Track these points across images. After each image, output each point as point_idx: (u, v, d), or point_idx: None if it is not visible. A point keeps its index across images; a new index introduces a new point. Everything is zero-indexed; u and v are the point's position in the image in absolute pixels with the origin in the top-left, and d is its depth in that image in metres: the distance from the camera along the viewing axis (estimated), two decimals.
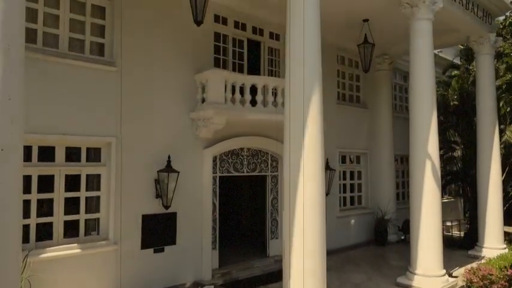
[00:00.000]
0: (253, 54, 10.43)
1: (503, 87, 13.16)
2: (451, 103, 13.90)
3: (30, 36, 6.85)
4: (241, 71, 9.96)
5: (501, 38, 11.66)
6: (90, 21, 7.59)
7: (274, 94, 9.26)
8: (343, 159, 12.75)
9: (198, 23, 7.12)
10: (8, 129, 3.00)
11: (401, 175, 15.14)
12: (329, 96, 11.50)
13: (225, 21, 9.65)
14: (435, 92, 9.04)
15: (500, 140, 11.48)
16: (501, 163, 11.42)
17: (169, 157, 7.96)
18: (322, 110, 6.30)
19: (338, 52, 12.70)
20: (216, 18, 9.42)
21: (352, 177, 13.09)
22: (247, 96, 8.84)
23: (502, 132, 11.96)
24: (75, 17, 7.41)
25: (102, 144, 7.54)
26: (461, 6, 9.87)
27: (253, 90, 9.02)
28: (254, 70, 10.38)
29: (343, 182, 12.73)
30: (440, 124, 11.50)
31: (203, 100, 8.60)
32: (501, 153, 11.51)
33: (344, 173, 12.79)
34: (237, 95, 8.73)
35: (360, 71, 12.80)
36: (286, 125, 6.38)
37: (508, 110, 12.55)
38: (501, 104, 11.84)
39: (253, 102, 8.96)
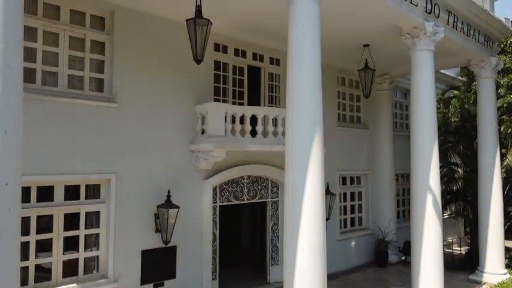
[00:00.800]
0: (253, 80, 10.38)
1: (505, 105, 13.13)
2: (452, 122, 13.87)
3: (30, 76, 6.82)
4: (241, 98, 9.93)
5: (502, 61, 11.60)
6: (90, 57, 7.55)
7: (275, 123, 9.22)
8: (343, 181, 12.71)
9: (198, 61, 7.08)
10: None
11: (401, 193, 15.11)
12: (330, 119, 11.49)
13: (225, 50, 9.61)
14: (436, 121, 8.98)
15: (501, 164, 11.44)
16: (502, 186, 11.39)
17: (168, 192, 7.92)
18: (323, 138, 6.21)
19: (339, 73, 12.66)
20: (216, 47, 9.37)
21: (352, 199, 13.05)
22: (248, 127, 8.80)
23: (503, 157, 11.92)
24: (74, 54, 7.37)
25: (102, 181, 7.51)
26: (462, 33, 9.83)
27: (254, 119, 8.99)
28: (254, 96, 10.35)
29: (344, 203, 12.69)
30: (440, 144, 11.51)
31: (203, 131, 8.57)
32: (502, 177, 11.47)
33: (344, 194, 12.75)
34: (237, 126, 8.69)
35: (361, 92, 12.73)
36: (287, 154, 6.28)
37: (509, 131, 12.49)
38: (502, 129, 11.78)
39: (254, 133, 8.93)
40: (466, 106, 13.34)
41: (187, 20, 7.06)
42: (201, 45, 7.01)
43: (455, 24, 9.48)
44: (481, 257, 11.41)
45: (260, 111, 8.95)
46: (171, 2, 7.78)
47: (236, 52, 9.86)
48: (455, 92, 14.03)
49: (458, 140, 13.49)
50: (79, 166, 7.11)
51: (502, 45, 13.32)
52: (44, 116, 6.74)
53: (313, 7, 6.09)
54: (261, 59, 10.44)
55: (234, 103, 9.75)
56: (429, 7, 8.56)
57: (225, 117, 8.48)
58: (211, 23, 7.14)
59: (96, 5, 7.53)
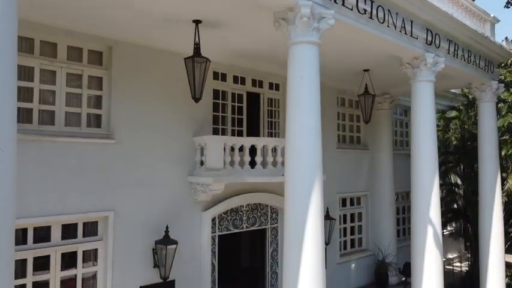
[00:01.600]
0: (252, 106, 10.31)
1: (505, 125, 13.08)
2: (453, 141, 13.80)
3: (27, 116, 6.76)
4: (240, 125, 9.87)
5: (503, 84, 11.54)
6: (87, 93, 7.49)
7: (274, 152, 9.16)
8: (343, 203, 12.65)
9: (197, 100, 7.03)
10: None
11: (401, 211, 15.04)
12: (329, 142, 11.43)
13: (224, 78, 9.55)
14: (437, 152, 8.94)
15: (502, 189, 11.38)
16: (503, 210, 11.34)
17: (167, 227, 7.85)
18: (322, 165, 6.22)
19: (338, 94, 12.60)
20: (215, 76, 9.30)
21: (352, 220, 12.99)
22: (247, 158, 8.75)
23: (504, 181, 11.86)
24: (71, 91, 7.31)
25: (100, 218, 7.45)
26: (463, 61, 9.77)
27: (253, 149, 8.92)
28: (254, 122, 10.28)
29: (343, 225, 12.63)
30: (441, 164, 11.45)
31: (202, 162, 8.50)
32: (503, 201, 11.41)
33: (344, 216, 12.68)
34: (236, 157, 8.63)
35: (361, 112, 12.68)
36: (287, 184, 6.25)
37: (509, 153, 12.43)
38: (503, 153, 11.71)
39: (253, 163, 8.87)
40: (466, 126, 13.26)
41: (185, 59, 7.01)
42: (200, 83, 6.96)
43: (456, 52, 9.42)
44: (482, 280, 11.36)
45: (259, 141, 8.89)
46: (169, 34, 7.71)
47: (235, 79, 9.79)
48: (455, 113, 13.94)
49: (458, 159, 13.41)
50: (76, 205, 7.04)
51: (503, 64, 13.29)
52: (41, 156, 6.67)
53: (313, 51, 6.02)
54: (260, 84, 10.37)
55: (233, 131, 9.70)
56: (429, 38, 8.50)
57: (224, 148, 8.42)
58: (210, 61, 7.08)
59: (94, 40, 7.46)
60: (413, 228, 8.96)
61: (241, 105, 9.92)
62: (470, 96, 12.79)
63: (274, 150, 9.16)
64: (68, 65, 7.24)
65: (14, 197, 3.19)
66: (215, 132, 9.30)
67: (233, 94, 9.78)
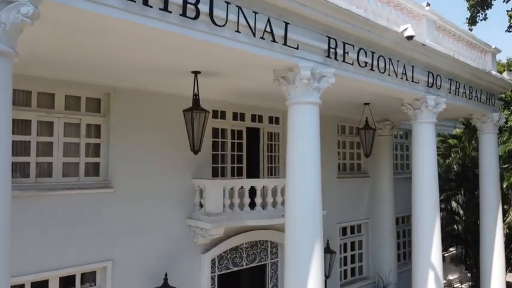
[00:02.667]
0: (252, 140, 10.24)
1: (506, 151, 13.00)
2: (454, 167, 13.73)
3: (24, 170, 6.69)
4: (240, 162, 9.80)
5: (504, 116, 11.46)
6: (85, 141, 7.41)
7: (274, 193, 9.08)
8: (343, 232, 12.57)
9: (196, 152, 6.96)
10: None
11: (402, 235, 14.97)
12: (330, 172, 11.38)
13: (223, 115, 9.48)
14: (438, 192, 8.89)
15: (504, 220, 11.31)
16: (504, 242, 11.28)
17: (166, 275, 7.76)
18: (322, 201, 6.30)
19: (339, 122, 12.52)
20: (215, 114, 9.22)
21: (352, 248, 12.91)
22: (246, 200, 8.67)
23: (505, 213, 11.79)
24: (69, 141, 7.23)
25: (98, 268, 7.37)
26: (464, 97, 9.69)
27: (253, 189, 8.85)
28: (253, 157, 10.20)
29: (344, 254, 12.56)
30: (441, 191, 11.37)
31: (201, 204, 8.43)
32: (505, 233, 11.34)
33: (344, 245, 12.61)
34: (236, 199, 8.56)
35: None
36: (287, 222, 6.32)
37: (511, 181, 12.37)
38: (505, 186, 11.64)
39: (253, 204, 8.79)
40: (467, 152, 13.18)
41: (184, 111, 6.94)
42: (199, 135, 6.89)
43: (457, 90, 9.35)
44: None
45: (259, 182, 8.82)
46: (168, 81, 7.63)
47: (235, 116, 9.72)
48: (455, 141, 13.86)
49: (459, 186, 13.34)
50: (74, 258, 6.96)
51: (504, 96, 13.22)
52: (38, 212, 6.60)
53: (313, 111, 5.96)
54: (260, 119, 10.30)
55: (232, 168, 9.62)
56: (431, 80, 8.43)
57: (224, 191, 8.34)
58: (209, 112, 7.01)
59: (92, 88, 7.38)
60: (414, 257, 9.03)
61: (240, 141, 9.85)
62: (471, 124, 12.69)
63: (275, 189, 9.08)
64: (66, 115, 7.17)
65: (8, 260, 3.29)
66: (215, 171, 9.24)
67: (232, 131, 9.71)
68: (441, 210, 11.28)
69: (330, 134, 11.81)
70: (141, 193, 7.84)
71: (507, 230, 12.02)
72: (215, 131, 9.30)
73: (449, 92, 9.10)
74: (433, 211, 8.71)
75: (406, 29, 6.88)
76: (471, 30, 13.22)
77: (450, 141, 14.00)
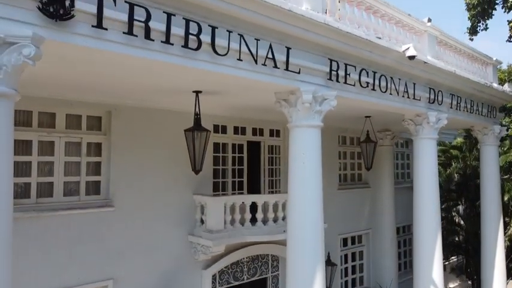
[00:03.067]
0: (252, 154, 10.22)
1: (507, 161, 12.98)
2: (455, 177, 13.71)
3: (25, 191, 6.68)
4: (241, 175, 9.78)
5: (505, 128, 11.45)
6: (86, 160, 7.39)
7: (275, 208, 9.06)
8: (344, 243, 12.55)
9: (197, 172, 6.94)
10: None
11: (403, 244, 14.95)
12: (331, 185, 11.36)
13: (224, 130, 9.46)
14: (439, 206, 8.88)
15: (504, 233, 11.30)
16: (506, 254, 11.27)
17: None
18: (323, 215, 6.33)
19: (340, 133, 12.50)
20: (216, 129, 9.20)
21: (353, 259, 12.89)
22: (247, 215, 8.66)
23: (507, 225, 11.77)
24: (70, 160, 7.21)
25: (99, 287, 7.35)
26: (465, 111, 9.68)
27: (254, 204, 8.84)
28: (254, 171, 10.18)
29: (345, 265, 12.54)
30: (442, 201, 11.35)
31: (202, 221, 8.42)
32: (506, 246, 11.33)
33: (345, 256, 12.59)
34: (237, 215, 8.55)
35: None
36: (289, 237, 6.34)
37: None
38: (506, 198, 11.62)
39: (254, 219, 8.78)
40: (468, 162, 13.16)
41: (185, 131, 6.92)
42: (200, 155, 6.87)
43: (458, 105, 9.33)
44: None
45: (260, 198, 8.81)
46: (169, 98, 7.61)
47: (236, 130, 9.71)
48: (456, 152, 13.84)
49: (460, 196, 13.33)
50: (75, 278, 6.94)
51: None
52: (39, 233, 6.58)
53: (315, 134, 5.94)
54: (261, 132, 10.28)
55: (233, 182, 9.61)
56: (432, 97, 8.41)
57: (225, 207, 8.33)
58: (210, 132, 7.00)
59: (93, 107, 7.37)
60: (415, 267, 9.03)
61: (241, 155, 9.83)
62: (472, 135, 12.68)
63: (276, 205, 9.06)
64: (67, 134, 7.16)
65: (10, 282, 3.32)
66: (216, 185, 9.23)
67: (233, 145, 9.69)
68: (442, 219, 11.25)
69: (331, 145, 11.80)
70: (142, 210, 7.83)
71: (508, 243, 12.00)
72: (216, 146, 9.29)
73: (451, 107, 9.10)
74: (434, 223, 8.68)
75: (408, 48, 6.86)
76: (472, 40, 13.25)
77: (451, 151, 13.98)
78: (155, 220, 8.01)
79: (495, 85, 10.66)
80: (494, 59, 11.04)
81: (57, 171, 7.05)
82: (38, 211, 6.61)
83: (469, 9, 13.35)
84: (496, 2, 13.37)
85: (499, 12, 15.39)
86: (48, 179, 6.97)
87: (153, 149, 8.06)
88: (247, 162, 9.95)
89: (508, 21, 13.93)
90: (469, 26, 13.45)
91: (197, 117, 6.93)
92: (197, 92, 6.89)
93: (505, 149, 12.94)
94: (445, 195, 13.31)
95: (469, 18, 13.47)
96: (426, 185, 8.55)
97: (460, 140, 14.27)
